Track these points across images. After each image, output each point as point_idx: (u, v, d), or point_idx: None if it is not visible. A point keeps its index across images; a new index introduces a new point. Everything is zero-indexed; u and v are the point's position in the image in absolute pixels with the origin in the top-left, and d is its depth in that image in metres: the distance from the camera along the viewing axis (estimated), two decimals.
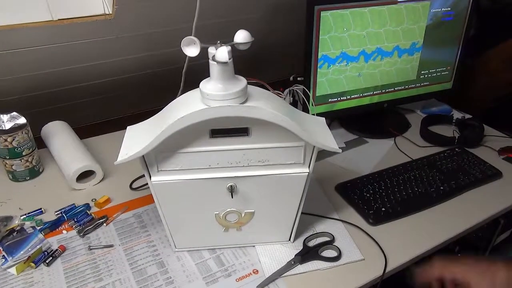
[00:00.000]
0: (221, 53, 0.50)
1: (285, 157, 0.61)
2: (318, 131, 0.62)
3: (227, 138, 0.58)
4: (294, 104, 1.01)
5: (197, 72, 0.90)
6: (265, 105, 0.55)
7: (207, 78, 0.56)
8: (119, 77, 1.06)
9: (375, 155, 0.99)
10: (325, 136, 0.62)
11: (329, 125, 0.69)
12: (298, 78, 1.03)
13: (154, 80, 1.10)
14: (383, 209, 0.80)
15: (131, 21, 0.98)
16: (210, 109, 0.53)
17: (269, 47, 1.19)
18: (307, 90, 0.93)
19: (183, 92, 0.96)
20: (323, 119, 0.67)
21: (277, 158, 0.61)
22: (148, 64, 1.07)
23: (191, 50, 0.52)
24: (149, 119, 0.62)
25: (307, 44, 0.90)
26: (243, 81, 0.56)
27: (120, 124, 0.94)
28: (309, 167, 0.63)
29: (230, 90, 0.54)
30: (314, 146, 0.60)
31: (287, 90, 0.97)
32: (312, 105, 0.96)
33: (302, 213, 0.68)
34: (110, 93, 1.07)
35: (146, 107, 1.07)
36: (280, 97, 0.94)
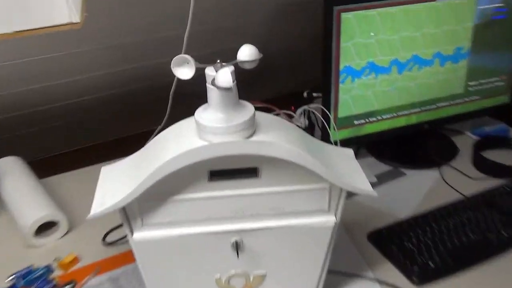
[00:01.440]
0: (224, 77, 0.51)
1: (304, 203, 0.61)
2: (346, 167, 0.62)
3: (231, 181, 0.58)
4: (310, 127, 1.01)
5: (188, 93, 0.91)
6: (278, 137, 0.56)
7: (204, 105, 0.57)
8: (88, 98, 1.07)
9: (416, 191, 0.98)
10: (355, 174, 0.62)
11: (355, 153, 0.69)
12: (314, 95, 1.05)
13: (133, 101, 1.12)
14: (431, 263, 0.79)
15: (104, 29, 1.00)
16: (211, 147, 0.53)
17: (273, 56, 1.22)
18: (326, 110, 0.94)
19: (170, 118, 0.97)
20: (351, 151, 0.67)
21: (294, 204, 0.61)
22: (125, 81, 1.09)
23: (184, 71, 0.52)
24: (129, 158, 0.62)
25: (325, 54, 0.91)
26: (249, 108, 0.56)
27: (89, 157, 0.94)
28: (336, 214, 0.62)
29: (235, 120, 0.54)
30: (342, 189, 0.60)
31: (300, 110, 0.99)
32: (334, 129, 0.96)
33: (327, 272, 0.68)
34: (77, 117, 1.08)
35: (124, 133, 1.08)
36: (292, 119, 0.96)
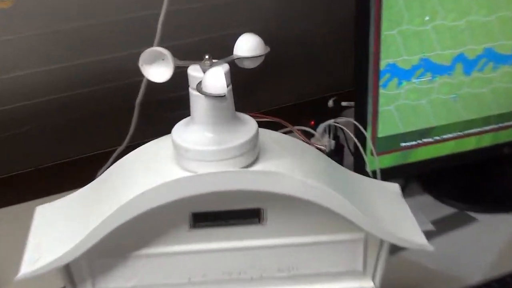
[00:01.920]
0: (215, 80, 0.50)
1: (329, 261, 0.60)
2: (389, 210, 0.62)
3: (223, 229, 0.57)
4: (337, 151, 1.02)
5: (163, 102, 0.91)
6: (290, 166, 0.55)
7: (185, 120, 0.57)
8: (16, 106, 1.07)
9: (490, 244, 0.98)
10: (401, 220, 0.61)
11: (403, 188, 0.68)
12: (344, 104, 1.04)
13: (81, 111, 1.10)
14: None
15: (41, 9, 1.00)
16: (194, 179, 0.53)
17: (284, 50, 1.20)
18: (360, 126, 0.94)
19: (135, 137, 0.97)
20: (397, 187, 0.67)
21: (314, 263, 0.60)
22: (69, 83, 1.07)
23: (158, 71, 0.52)
24: (77, 193, 0.62)
25: (359, 47, 0.92)
26: (250, 124, 0.56)
27: (18, 190, 0.93)
28: (374, 278, 0.62)
29: (229, 142, 0.54)
30: (382, 241, 0.59)
31: (323, 126, 0.99)
32: (372, 154, 0.97)
33: None
34: (9, 132, 1.08)
35: (66, 157, 1.08)
36: (311, 139, 0.95)
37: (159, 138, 0.61)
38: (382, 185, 0.67)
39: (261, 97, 1.01)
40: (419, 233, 0.61)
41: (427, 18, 0.94)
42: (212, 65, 0.52)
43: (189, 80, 0.54)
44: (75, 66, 1.07)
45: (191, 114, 0.56)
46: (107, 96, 1.11)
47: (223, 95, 0.50)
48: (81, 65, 1.08)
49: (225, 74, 0.51)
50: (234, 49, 0.54)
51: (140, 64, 0.52)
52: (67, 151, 1.07)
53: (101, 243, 0.54)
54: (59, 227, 0.59)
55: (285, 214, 0.58)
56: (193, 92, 0.54)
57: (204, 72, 0.52)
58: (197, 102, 0.54)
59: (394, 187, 0.67)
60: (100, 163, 0.76)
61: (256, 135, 0.56)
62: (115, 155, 0.93)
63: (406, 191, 1.10)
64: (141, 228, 0.56)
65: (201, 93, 0.51)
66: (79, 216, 0.58)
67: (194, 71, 0.53)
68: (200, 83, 0.51)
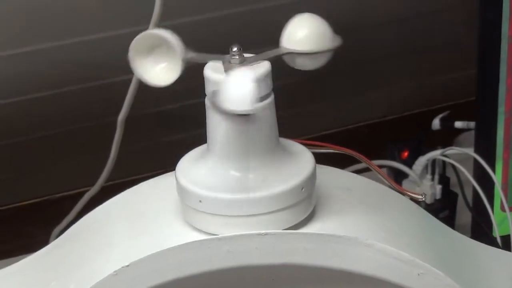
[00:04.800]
0: (238, 87, 0.25)
1: None
2: None
3: None
4: (446, 203, 0.59)
5: (157, 119, 0.55)
6: (370, 227, 0.29)
7: (198, 149, 0.31)
8: None
9: None
10: None
11: None
12: (458, 126, 0.60)
13: (29, 128, 0.66)
14: None
15: None
16: (211, 244, 0.27)
17: (365, 40, 0.64)
18: (484, 163, 0.51)
19: (115, 173, 0.58)
20: None
21: None
22: (21, 89, 0.63)
23: (158, 69, 0.28)
24: (26, 261, 0.34)
25: (485, 27, 0.49)
26: (303, 159, 0.30)
27: None
28: None
29: (270, 186, 0.27)
30: None
31: (423, 161, 0.57)
32: (504, 209, 0.54)
33: None
34: None
35: (13, 201, 0.65)
36: (404, 181, 0.57)
37: (154, 178, 0.34)
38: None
39: (322, 114, 0.54)
40: None
41: None
42: (241, 62, 0.27)
43: (205, 85, 0.28)
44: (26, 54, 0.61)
45: (208, 140, 0.29)
46: (70, 104, 0.60)
47: (247, 112, 0.26)
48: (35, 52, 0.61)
49: (259, 78, 0.26)
50: (282, 39, 0.28)
51: (130, 56, 0.27)
52: (14, 194, 0.63)
53: None
54: None
55: None
56: (209, 105, 0.28)
57: (226, 71, 0.27)
58: (217, 122, 0.27)
59: None
60: (59, 213, 0.43)
61: (313, 176, 0.29)
62: (83, 201, 0.52)
63: None
64: None
65: (215, 107, 0.27)
66: None
67: (214, 72, 0.27)
68: (215, 91, 0.26)
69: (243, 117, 0.26)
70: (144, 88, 0.28)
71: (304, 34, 0.27)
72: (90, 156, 0.51)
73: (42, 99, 0.57)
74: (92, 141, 0.55)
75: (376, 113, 0.68)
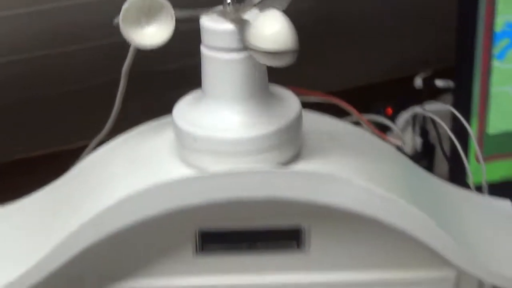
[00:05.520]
0: (278, 26, 0.24)
1: None
2: (496, 238, 0.34)
3: (243, 256, 0.31)
4: (426, 153, 0.61)
5: (158, 73, 0.57)
6: (349, 166, 0.29)
7: (193, 94, 0.31)
8: None
9: None
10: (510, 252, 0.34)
11: None
12: (438, 84, 0.61)
13: (44, 83, 0.69)
14: None
15: None
16: (205, 179, 0.28)
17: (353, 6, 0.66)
18: (461, 117, 0.52)
19: (119, 124, 0.58)
20: (510, 205, 0.39)
21: None
22: (26, 44, 0.64)
23: (150, 30, 0.27)
24: (35, 196, 0.35)
25: (462, 4, 0.50)
26: (290, 103, 0.30)
27: None
28: None
29: (260, 127, 0.27)
30: (482, 282, 0.33)
31: (406, 116, 0.58)
32: (478, 160, 0.58)
33: None
34: None
35: (26, 152, 0.69)
36: (387, 133, 0.52)
37: (153, 122, 0.34)
38: (489, 203, 0.38)
39: (316, 73, 0.54)
40: None
41: None
42: (242, 11, 0.26)
43: (202, 36, 0.28)
44: (31, 20, 0.60)
45: (203, 85, 0.29)
46: (78, 63, 0.63)
47: (292, 50, 0.24)
48: (40, 19, 0.60)
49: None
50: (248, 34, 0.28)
51: (120, 20, 0.27)
52: (27, 145, 0.64)
53: (64, 269, 0.29)
54: (8, 243, 0.34)
55: (336, 238, 0.30)
56: (208, 52, 0.28)
57: (232, 22, 0.26)
58: (216, 66, 0.28)
59: (506, 206, 0.39)
60: (69, 159, 0.43)
61: (299, 119, 0.29)
62: (91, 145, 0.54)
63: None
64: (125, 251, 0.30)
65: (252, 49, 0.25)
66: (35, 229, 0.33)
67: (212, 22, 0.27)
68: (247, 33, 0.25)
69: (284, 55, 0.24)
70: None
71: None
72: (98, 112, 0.51)
73: (50, 56, 0.58)
74: (98, 93, 0.55)
75: (362, 77, 0.68)
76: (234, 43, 0.26)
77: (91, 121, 0.53)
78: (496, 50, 0.52)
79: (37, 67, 0.60)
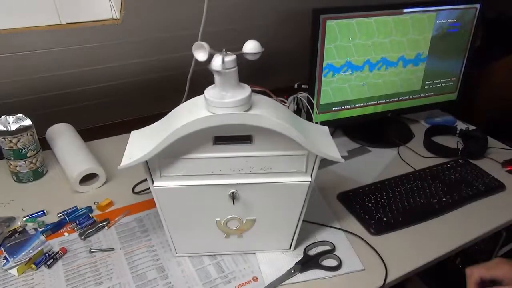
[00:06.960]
0: (215, 61, 0.51)
1: (287, 165, 0.61)
2: (321, 140, 0.62)
3: (230, 145, 0.58)
4: (298, 112, 1.01)
5: (201, 79, 0.90)
6: (268, 113, 0.55)
7: (211, 85, 0.57)
8: (124, 81, 1.07)
9: (378, 164, 0.99)
10: (328, 146, 0.62)
11: (332, 133, 0.69)
12: (303, 86, 1.04)
13: (159, 85, 1.11)
14: (385, 219, 0.80)
15: (138, 26, 0.99)
16: (214, 117, 0.53)
17: (276, 54, 1.19)
18: (311, 98, 0.93)
19: (187, 98, 0.96)
20: (327, 128, 0.67)
21: (279, 166, 0.61)
22: (154, 69, 1.08)
23: (200, 54, 0.52)
24: (153, 124, 0.62)
25: (312, 53, 0.90)
26: (247, 89, 0.56)
27: (124, 127, 0.94)
28: (311, 176, 0.63)
29: (234, 98, 0.54)
30: (316, 156, 0.60)
31: (291, 98, 0.98)
32: (316, 113, 0.96)
33: (303, 221, 0.68)
34: (115, 96, 1.08)
35: (151, 111, 1.06)
36: (284, 104, 0.95)
37: (197, 97, 0.60)
38: (319, 127, 0.67)
39: (260, 83, 0.97)
40: (336, 152, 0.61)
41: (350, 38, 0.92)
42: (226, 55, 0.52)
43: (211, 63, 0.54)
44: (156, 61, 1.06)
45: (215, 82, 0.56)
46: (174, 76, 1.08)
47: (219, 71, 0.51)
48: (160, 60, 1.07)
49: (228, 60, 0.51)
50: (243, 48, 0.53)
51: (193, 49, 0.52)
52: (149, 109, 1.05)
53: (163, 150, 0.55)
54: (142, 141, 0.59)
55: (265, 139, 0.58)
56: (213, 69, 0.54)
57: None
58: (216, 75, 0.54)
59: (325, 128, 0.67)
60: (156, 118, 0.74)
61: (250, 95, 0.56)
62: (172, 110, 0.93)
63: (334, 135, 1.11)
64: (185, 143, 0.56)
65: (209, 68, 0.51)
66: (153, 136, 0.59)
67: (215, 57, 0.53)
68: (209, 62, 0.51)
69: (217, 72, 0.51)
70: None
71: (251, 46, 0.52)
72: (177, 94, 0.92)
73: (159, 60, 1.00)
74: (177, 85, 0.97)
75: (280, 83, 1.09)
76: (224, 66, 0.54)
77: (173, 98, 0.90)
78: (323, 73, 0.92)
79: (150, 67, 1.00)
